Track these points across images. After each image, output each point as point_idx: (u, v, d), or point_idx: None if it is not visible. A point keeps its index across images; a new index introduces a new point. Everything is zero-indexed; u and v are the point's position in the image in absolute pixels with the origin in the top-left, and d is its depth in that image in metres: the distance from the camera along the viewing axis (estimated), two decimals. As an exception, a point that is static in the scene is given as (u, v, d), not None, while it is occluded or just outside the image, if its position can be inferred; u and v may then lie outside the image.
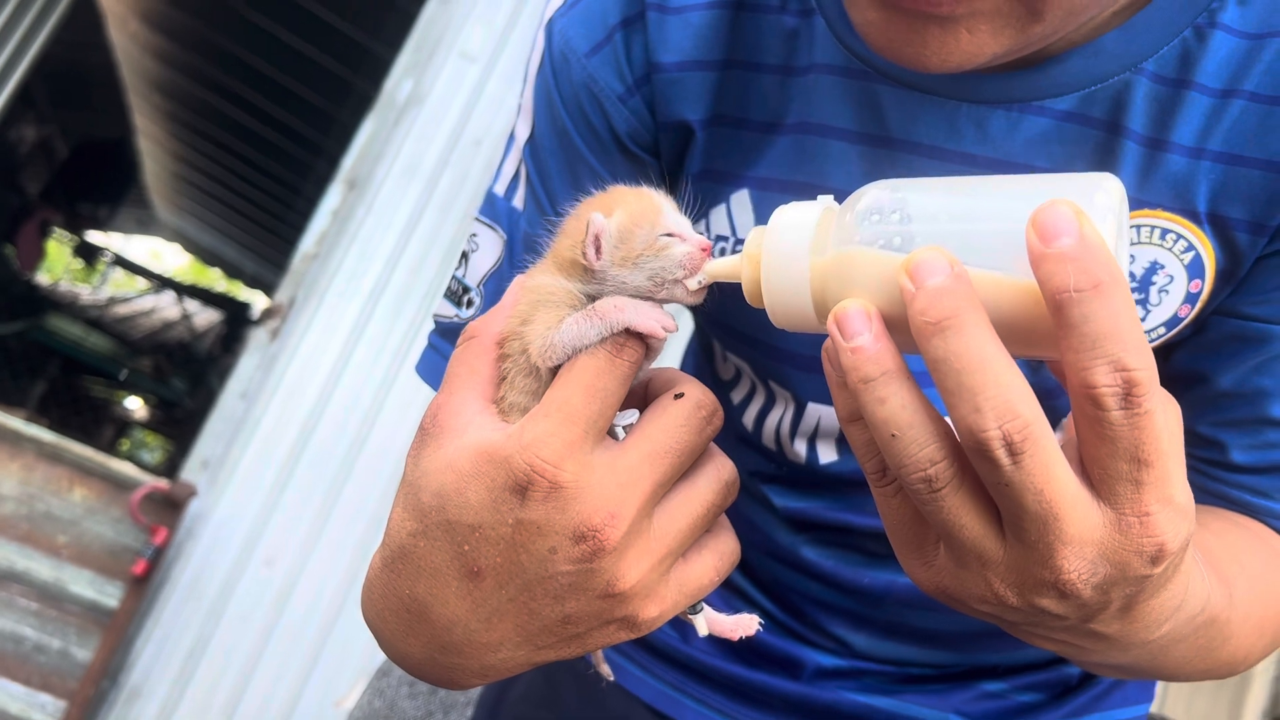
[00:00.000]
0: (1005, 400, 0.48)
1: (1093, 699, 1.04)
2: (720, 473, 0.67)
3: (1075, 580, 0.52)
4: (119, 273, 12.89)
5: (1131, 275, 0.81)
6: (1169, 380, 0.57)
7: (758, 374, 0.99)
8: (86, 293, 12.15)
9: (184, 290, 10.88)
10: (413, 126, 3.60)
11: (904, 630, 1.02)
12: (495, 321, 0.67)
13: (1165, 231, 0.80)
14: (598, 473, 0.60)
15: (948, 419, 0.51)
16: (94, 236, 11.77)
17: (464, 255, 0.97)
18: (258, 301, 12.24)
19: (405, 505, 0.64)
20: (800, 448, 0.98)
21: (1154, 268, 0.81)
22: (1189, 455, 0.86)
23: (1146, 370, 0.48)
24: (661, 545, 0.64)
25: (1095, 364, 0.47)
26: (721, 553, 0.68)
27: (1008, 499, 0.50)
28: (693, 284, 0.64)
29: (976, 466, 0.51)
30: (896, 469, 0.52)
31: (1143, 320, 0.82)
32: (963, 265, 0.50)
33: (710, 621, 0.70)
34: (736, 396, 1.04)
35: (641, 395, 0.68)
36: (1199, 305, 0.82)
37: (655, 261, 0.64)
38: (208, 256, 13.97)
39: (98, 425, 10.54)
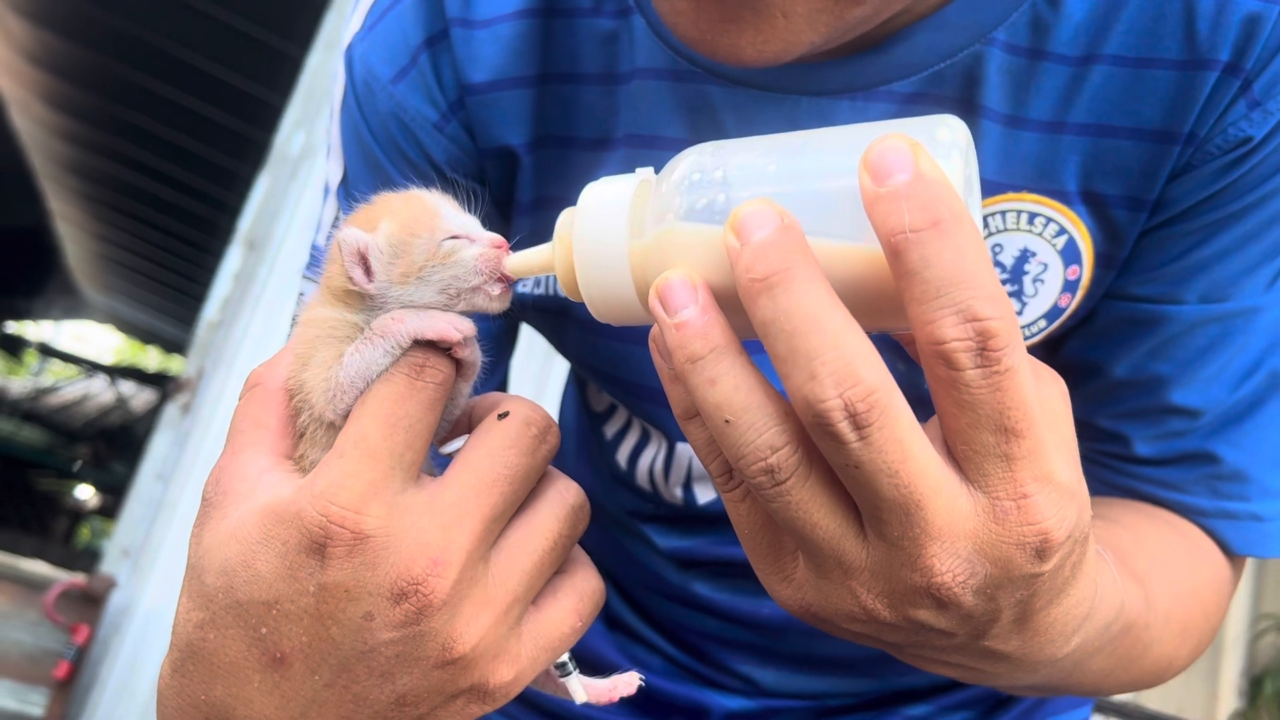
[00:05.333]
0: (845, 364, 0.41)
1: (1024, 711, 0.98)
2: (565, 497, 0.57)
3: (950, 583, 0.45)
4: (58, 362, 12.68)
5: (1001, 265, 0.75)
6: (1061, 373, 0.51)
7: (629, 409, 0.92)
8: (16, 386, 11.92)
9: (116, 373, 10.71)
10: (309, 179, 3.46)
11: (813, 660, 0.95)
12: (281, 365, 0.58)
13: (1033, 216, 0.74)
14: (411, 515, 0.51)
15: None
16: (18, 327, 11.56)
17: (294, 319, 0.88)
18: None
19: (190, 592, 0.54)
20: (677, 491, 0.91)
21: (1025, 255, 0.74)
22: (1091, 449, 0.81)
23: (1003, 320, 0.41)
24: (504, 592, 0.54)
25: (941, 315, 0.41)
26: (582, 593, 0.59)
27: (860, 485, 0.44)
28: (495, 288, 0.56)
29: (821, 448, 0.44)
30: (735, 461, 0.45)
31: (1020, 314, 0.75)
32: (794, 217, 0.44)
33: (586, 685, 0.61)
34: (610, 431, 0.98)
35: (468, 426, 0.59)
36: (1080, 293, 0.76)
37: (444, 271, 0.55)
38: (143, 334, 13.75)
39: (48, 518, 10.34)
